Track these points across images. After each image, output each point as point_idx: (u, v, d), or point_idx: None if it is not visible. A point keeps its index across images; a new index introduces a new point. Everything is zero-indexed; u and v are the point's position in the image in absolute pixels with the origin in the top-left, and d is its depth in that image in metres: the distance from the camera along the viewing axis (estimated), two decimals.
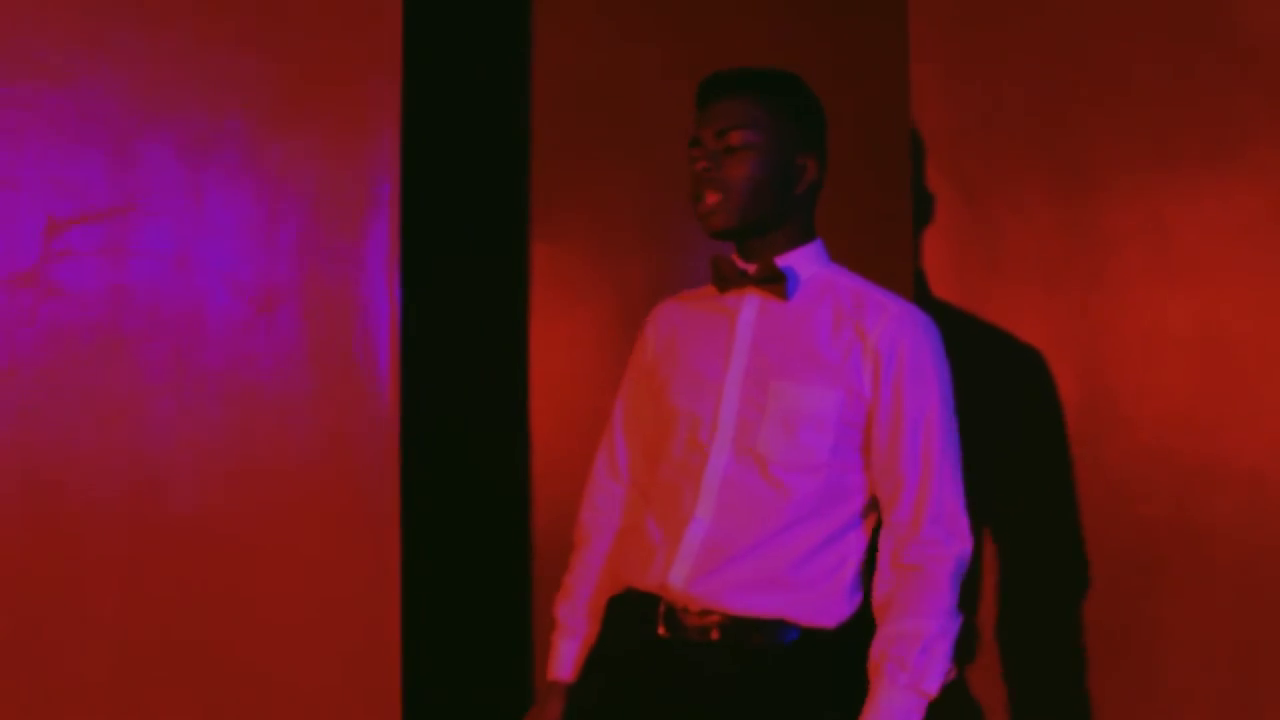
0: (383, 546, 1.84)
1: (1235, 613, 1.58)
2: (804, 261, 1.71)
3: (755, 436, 1.64)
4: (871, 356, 1.63)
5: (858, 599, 1.65)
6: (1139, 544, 1.68)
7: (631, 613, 1.70)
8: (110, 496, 1.76)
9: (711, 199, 1.65)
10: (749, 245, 1.71)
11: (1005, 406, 1.83)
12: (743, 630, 1.61)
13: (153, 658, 1.77)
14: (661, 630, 1.64)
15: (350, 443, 1.84)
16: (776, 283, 1.68)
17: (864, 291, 1.69)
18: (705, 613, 1.62)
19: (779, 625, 1.61)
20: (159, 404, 1.77)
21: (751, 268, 1.71)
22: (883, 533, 1.64)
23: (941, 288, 1.90)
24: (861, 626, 1.62)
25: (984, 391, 1.82)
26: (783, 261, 1.70)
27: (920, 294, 1.91)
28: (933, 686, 1.53)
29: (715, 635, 1.62)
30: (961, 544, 1.60)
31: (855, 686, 1.58)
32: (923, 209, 1.92)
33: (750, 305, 1.71)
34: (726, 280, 1.72)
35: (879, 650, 1.56)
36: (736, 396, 1.66)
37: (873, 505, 1.67)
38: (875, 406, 1.63)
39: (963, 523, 1.61)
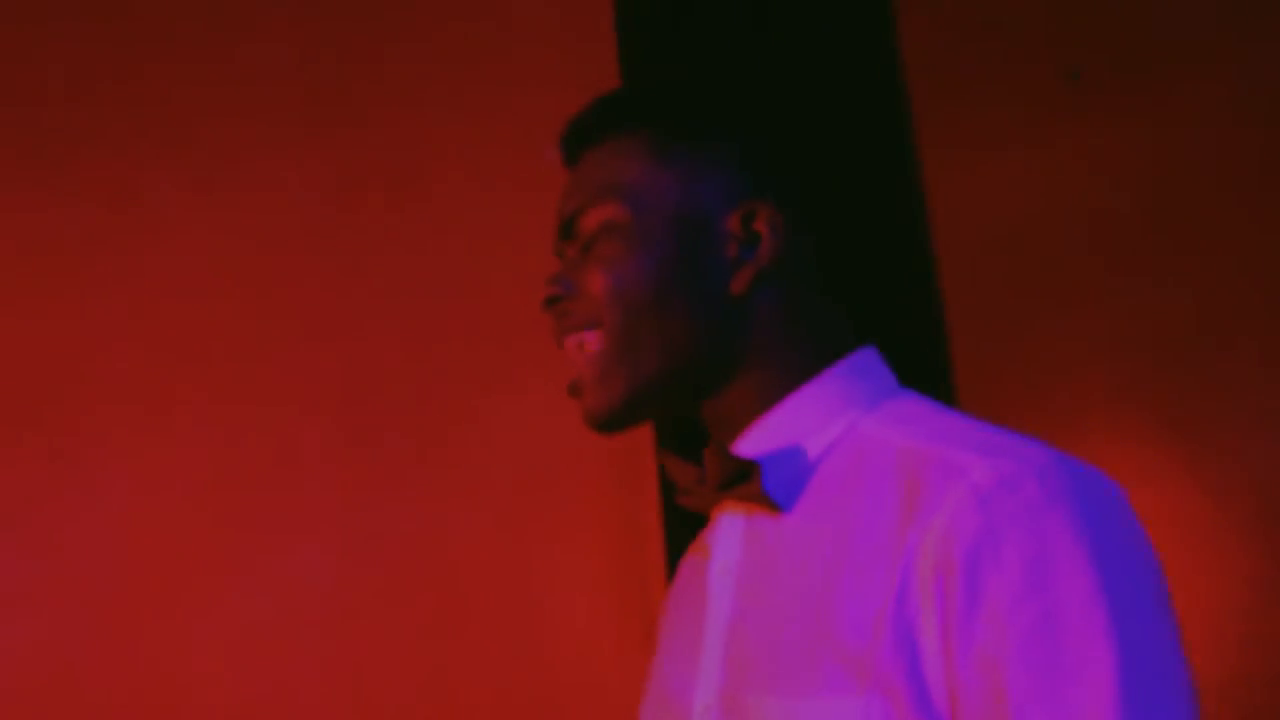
0: None
1: None
2: (809, 419, 0.87)
3: None
4: (931, 599, 0.74)
5: None
6: None
7: None
8: None
9: (580, 372, 0.90)
10: (705, 412, 0.93)
11: None
12: None
13: None
14: None
15: None
16: (743, 487, 0.86)
17: (927, 452, 0.79)
18: None
19: None
20: None
21: (709, 462, 0.89)
22: None
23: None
24: None
25: None
26: (760, 435, 0.88)
27: None
28: None
29: None
30: None
31: None
32: None
33: (730, 533, 0.91)
34: (682, 492, 0.93)
35: None
36: None
37: None
38: (959, 705, 0.73)
39: None
